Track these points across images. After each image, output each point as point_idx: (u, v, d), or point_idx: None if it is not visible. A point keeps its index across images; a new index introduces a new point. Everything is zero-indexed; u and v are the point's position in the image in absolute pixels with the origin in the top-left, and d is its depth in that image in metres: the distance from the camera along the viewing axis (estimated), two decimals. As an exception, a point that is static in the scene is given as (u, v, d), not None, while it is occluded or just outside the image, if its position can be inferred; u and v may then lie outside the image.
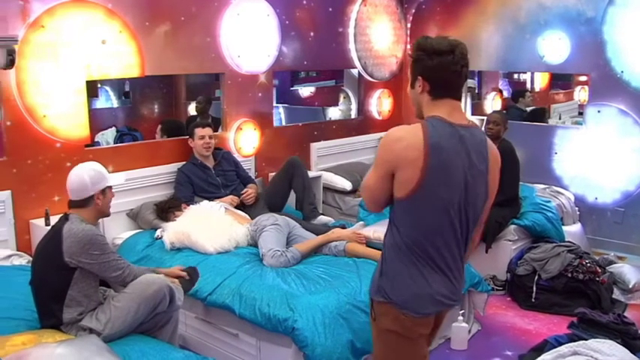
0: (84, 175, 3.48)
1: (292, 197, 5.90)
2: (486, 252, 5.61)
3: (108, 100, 7.48)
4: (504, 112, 7.33)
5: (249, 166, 6.18)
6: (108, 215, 3.67)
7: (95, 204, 3.48)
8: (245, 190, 5.58)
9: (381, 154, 2.53)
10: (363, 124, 7.56)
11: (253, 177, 6.11)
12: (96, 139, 6.28)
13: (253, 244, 4.78)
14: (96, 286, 3.49)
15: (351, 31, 7.15)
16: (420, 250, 2.53)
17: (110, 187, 3.57)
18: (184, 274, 3.84)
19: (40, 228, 4.60)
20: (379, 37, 7.47)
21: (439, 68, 2.51)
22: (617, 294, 5.30)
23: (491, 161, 2.64)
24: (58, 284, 3.34)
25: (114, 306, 3.41)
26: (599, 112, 6.38)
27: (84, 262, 3.32)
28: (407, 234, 2.55)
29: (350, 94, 7.84)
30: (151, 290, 3.44)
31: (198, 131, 5.47)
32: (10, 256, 4.42)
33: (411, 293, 2.56)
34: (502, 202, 5.59)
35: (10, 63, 4.30)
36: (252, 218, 5.06)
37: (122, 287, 3.54)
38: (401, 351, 2.69)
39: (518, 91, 8.47)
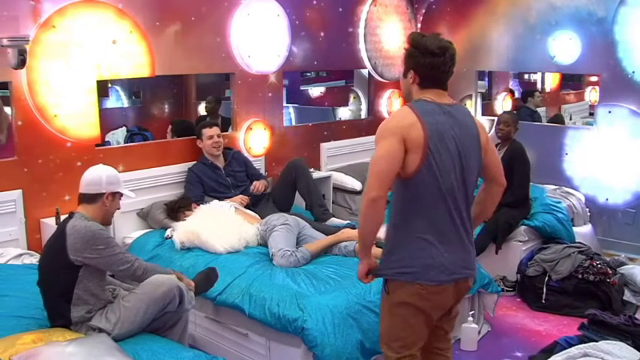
0: (102, 171, 3.53)
1: (301, 198, 5.90)
2: (496, 253, 5.60)
3: (118, 100, 7.51)
4: (515, 112, 7.32)
5: (259, 166, 6.18)
6: (109, 224, 3.67)
7: (103, 203, 3.47)
8: (254, 183, 5.61)
9: (387, 129, 2.75)
10: (373, 125, 7.53)
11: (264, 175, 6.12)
12: (106, 139, 6.31)
13: (263, 243, 4.79)
14: (103, 285, 3.49)
15: (361, 31, 7.14)
16: (432, 221, 2.79)
17: (119, 196, 3.57)
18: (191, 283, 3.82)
19: (50, 227, 4.62)
20: (389, 37, 7.46)
21: (430, 67, 2.82)
22: (627, 295, 5.26)
23: (479, 128, 2.94)
24: (64, 283, 3.35)
25: (123, 306, 3.41)
26: (609, 112, 6.36)
27: (89, 257, 3.31)
28: (416, 209, 2.79)
29: (360, 94, 7.84)
30: (160, 291, 3.44)
31: (206, 131, 5.47)
32: (21, 255, 4.44)
33: (424, 263, 2.80)
34: (512, 203, 5.59)
35: (22, 63, 4.32)
36: (262, 218, 5.07)
37: (135, 283, 3.55)
38: (411, 323, 2.92)
39: (528, 91, 8.45)
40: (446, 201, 2.77)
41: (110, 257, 3.38)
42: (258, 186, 5.59)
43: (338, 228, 4.96)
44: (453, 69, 2.87)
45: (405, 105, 2.83)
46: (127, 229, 5.18)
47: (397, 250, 2.86)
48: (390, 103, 7.65)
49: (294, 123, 8.43)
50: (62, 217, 4.56)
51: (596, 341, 3.52)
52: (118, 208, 3.62)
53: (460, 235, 2.86)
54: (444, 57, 2.80)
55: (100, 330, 3.34)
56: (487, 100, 8.19)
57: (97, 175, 3.50)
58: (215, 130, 5.49)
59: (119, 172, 5.06)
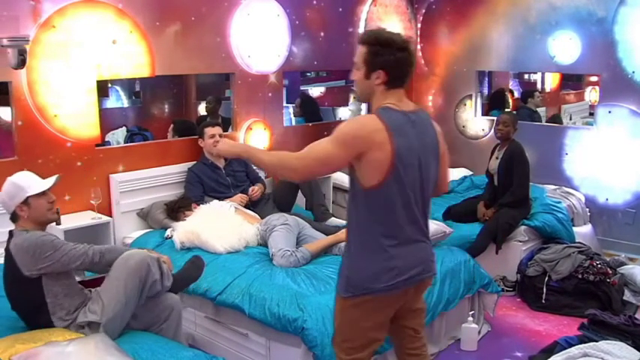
0: (2, 190, 3.40)
1: (302, 198, 5.90)
2: (496, 253, 5.59)
3: (118, 100, 7.50)
4: (515, 112, 7.30)
5: (259, 166, 6.17)
6: (52, 221, 3.55)
7: (21, 217, 3.37)
8: (251, 187, 5.60)
9: (347, 135, 2.65)
10: (372, 125, 7.54)
11: (263, 177, 6.12)
12: (106, 139, 6.29)
13: (263, 243, 4.79)
14: (71, 282, 3.46)
15: (361, 31, 7.14)
16: (391, 231, 2.74)
17: (39, 195, 3.38)
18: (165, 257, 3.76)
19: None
20: (389, 37, 7.44)
21: (399, 63, 2.73)
22: (627, 295, 5.26)
23: (438, 136, 2.91)
24: (34, 299, 3.32)
25: (102, 292, 3.40)
26: (609, 112, 6.36)
27: (43, 266, 3.27)
28: (375, 220, 2.73)
29: (360, 94, 7.82)
30: (131, 262, 3.40)
31: (208, 130, 5.48)
32: (20, 255, 4.42)
33: (382, 272, 2.74)
34: (512, 203, 5.60)
35: (22, 63, 4.32)
36: (262, 218, 5.07)
37: (107, 269, 3.49)
38: (362, 326, 2.86)
39: (527, 91, 8.43)
40: (406, 211, 2.74)
41: (62, 258, 3.30)
42: (256, 191, 5.58)
43: (338, 228, 4.96)
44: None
45: (375, 114, 2.70)
46: (127, 229, 5.18)
47: (358, 268, 2.80)
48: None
49: (294, 123, 8.41)
50: (62, 218, 4.59)
51: (596, 341, 3.52)
52: (51, 202, 3.44)
53: (418, 242, 2.83)
54: (409, 51, 2.74)
55: (90, 324, 3.34)
56: (487, 100, 8.18)
57: (0, 198, 3.41)
58: (217, 130, 5.50)
59: (119, 172, 5.12)
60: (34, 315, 3.38)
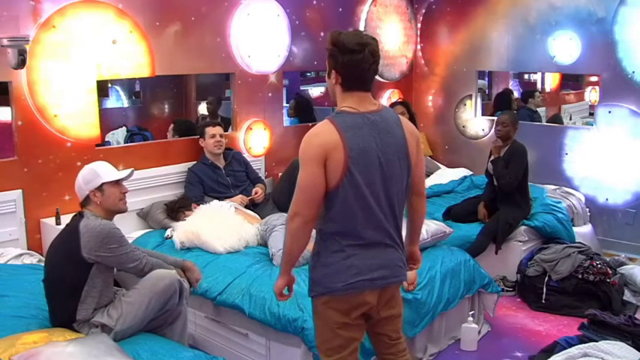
0: (79, 176, 3.51)
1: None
2: (496, 253, 5.59)
3: (118, 100, 7.50)
4: (515, 112, 7.30)
5: (259, 166, 6.18)
6: (122, 211, 3.61)
7: (94, 202, 3.46)
8: (254, 190, 5.59)
9: (309, 151, 2.73)
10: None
11: (263, 177, 6.12)
12: (106, 139, 6.30)
13: (263, 243, 4.78)
14: (110, 282, 3.51)
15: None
16: (352, 232, 2.76)
17: (113, 183, 3.49)
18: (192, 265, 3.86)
19: (50, 227, 4.63)
20: (389, 37, 7.46)
21: (350, 65, 2.74)
22: (628, 296, 5.26)
23: (407, 135, 2.86)
24: (74, 281, 3.36)
25: (125, 302, 3.43)
26: (610, 112, 6.36)
27: (102, 255, 3.34)
28: (337, 223, 2.76)
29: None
30: (162, 285, 3.46)
31: (209, 130, 5.49)
32: (21, 255, 4.44)
33: (343, 273, 2.76)
34: (504, 194, 5.54)
35: (22, 63, 4.32)
36: (262, 218, 5.07)
37: (137, 279, 3.57)
38: (332, 326, 2.86)
39: (528, 91, 8.43)
40: (365, 213, 2.74)
41: (122, 255, 3.41)
42: (259, 194, 5.59)
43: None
44: (376, 67, 2.80)
45: (327, 120, 2.78)
46: (127, 229, 5.12)
47: (319, 267, 2.84)
48: (389, 103, 7.64)
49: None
50: (62, 217, 4.60)
51: (596, 341, 3.52)
52: (124, 192, 3.56)
53: (383, 246, 2.82)
54: (363, 53, 2.71)
55: (103, 326, 3.35)
56: (487, 100, 8.18)
57: (77, 181, 3.51)
58: (218, 130, 5.51)
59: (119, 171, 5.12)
60: (63, 295, 3.39)
